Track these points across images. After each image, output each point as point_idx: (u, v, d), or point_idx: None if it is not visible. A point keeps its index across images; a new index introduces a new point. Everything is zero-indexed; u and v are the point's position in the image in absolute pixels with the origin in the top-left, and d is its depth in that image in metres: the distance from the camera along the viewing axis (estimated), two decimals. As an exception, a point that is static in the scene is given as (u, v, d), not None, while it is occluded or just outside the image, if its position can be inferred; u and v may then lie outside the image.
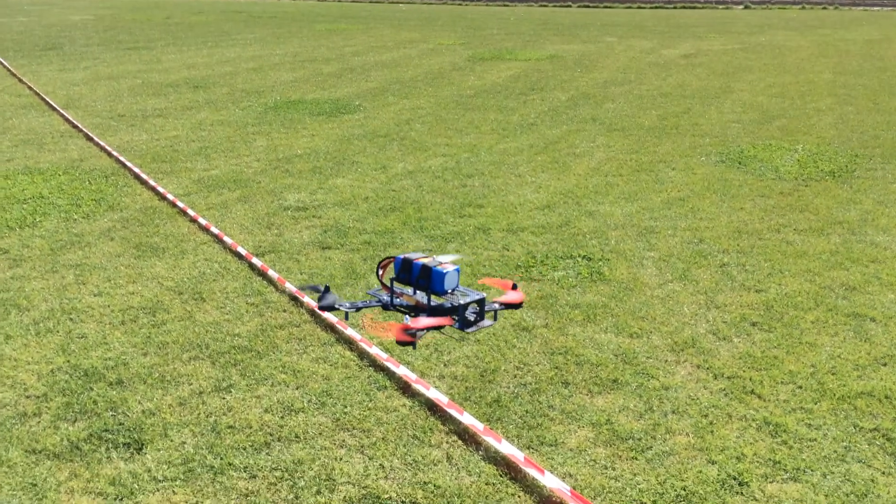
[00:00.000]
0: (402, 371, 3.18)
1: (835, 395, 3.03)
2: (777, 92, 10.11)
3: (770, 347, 3.41)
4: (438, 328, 1.27)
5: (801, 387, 3.09)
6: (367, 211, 5.30)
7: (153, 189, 5.77)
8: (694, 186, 5.88)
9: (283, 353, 3.38)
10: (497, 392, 3.07)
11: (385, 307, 1.31)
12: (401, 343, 1.23)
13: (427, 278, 1.30)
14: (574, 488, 2.48)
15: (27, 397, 3.03)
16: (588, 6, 32.67)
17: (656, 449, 2.71)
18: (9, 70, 11.85)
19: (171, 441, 2.77)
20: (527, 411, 2.94)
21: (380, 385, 3.12)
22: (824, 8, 32.39)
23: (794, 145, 7.14)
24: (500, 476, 2.58)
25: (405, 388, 3.09)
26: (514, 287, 1.34)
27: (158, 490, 2.52)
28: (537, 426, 2.85)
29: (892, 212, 5.22)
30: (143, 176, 6.06)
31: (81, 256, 4.47)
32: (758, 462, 2.64)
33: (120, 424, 2.86)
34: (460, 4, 33.55)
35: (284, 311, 3.77)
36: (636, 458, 2.67)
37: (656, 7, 31.21)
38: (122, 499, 2.47)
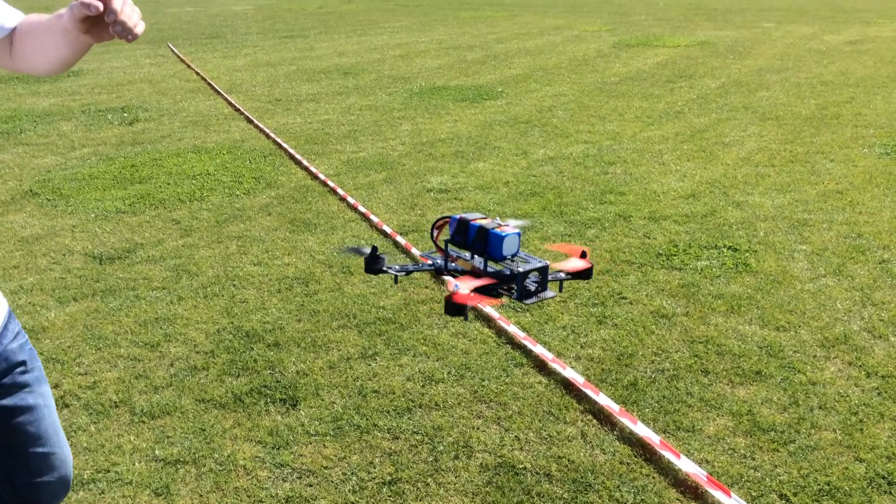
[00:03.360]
0: (538, 350, 3.25)
1: None
2: (954, 80, 9.31)
3: (932, 349, 3.21)
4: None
5: (965, 391, 2.90)
6: (507, 195, 5.38)
7: (306, 169, 6.11)
8: (854, 179, 5.56)
9: (425, 326, 3.53)
10: (634, 376, 3.08)
11: (438, 271, 1.21)
12: (448, 312, 1.13)
13: (484, 242, 1.16)
14: (710, 474, 2.47)
15: (196, 353, 3.34)
16: (743, -10, 31.05)
17: (800, 443, 2.64)
18: (179, 57, 12.79)
19: (322, 400, 2.98)
20: (664, 396, 2.93)
21: (517, 362, 3.21)
22: None
23: (972, 138, 6.57)
24: (635, 457, 2.60)
25: (541, 367, 3.16)
26: (584, 255, 1.17)
27: (311, 443, 2.72)
28: (674, 412, 2.84)
29: None
30: (298, 156, 6.43)
31: (243, 229, 4.83)
32: (912, 465, 2.51)
33: (277, 382, 3.10)
34: (606, -10, 32.80)
35: (426, 287, 3.92)
36: (778, 451, 2.61)
37: (819, -10, 29.21)
38: (279, 448, 2.69)
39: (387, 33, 16.23)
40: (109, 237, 4.70)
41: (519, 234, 1.16)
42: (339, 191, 5.49)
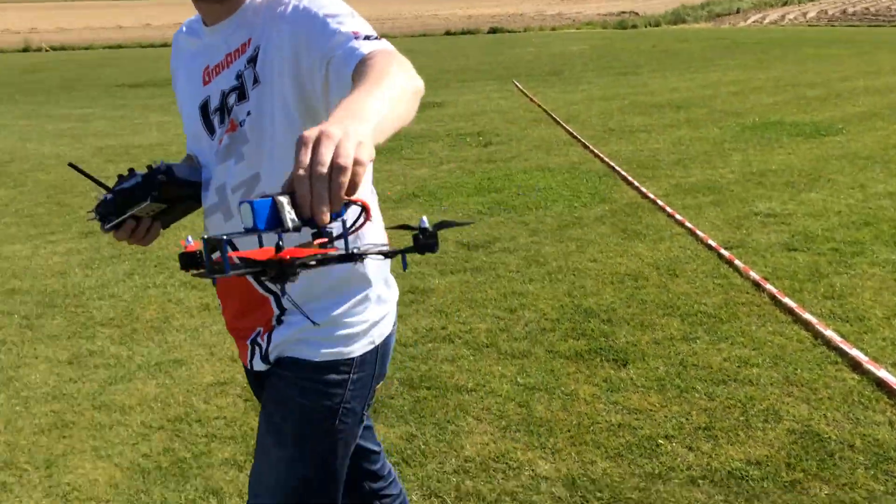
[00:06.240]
0: (854, 352, 3.50)
1: None
2: None
3: None
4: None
5: None
6: (837, 223, 5.49)
7: (637, 189, 6.72)
8: None
9: (743, 323, 3.94)
10: (953, 385, 3.21)
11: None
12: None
13: None
14: None
15: (545, 319, 4.12)
16: None
17: None
18: (523, 91, 14.21)
19: (648, 365, 3.56)
20: (983, 405, 3.05)
21: (831, 360, 3.50)
22: None
23: None
24: (943, 447, 2.80)
25: (856, 367, 3.42)
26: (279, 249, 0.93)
27: (638, 392, 3.33)
28: None
29: None
30: (629, 178, 7.07)
31: (580, 233, 5.58)
32: None
33: (610, 347, 3.75)
34: None
35: (747, 293, 4.31)
36: None
37: None
38: (612, 391, 3.34)
39: (720, 70, 16.27)
40: (474, 231, 5.75)
41: (250, 202, 0.88)
42: (668, 209, 6.02)
